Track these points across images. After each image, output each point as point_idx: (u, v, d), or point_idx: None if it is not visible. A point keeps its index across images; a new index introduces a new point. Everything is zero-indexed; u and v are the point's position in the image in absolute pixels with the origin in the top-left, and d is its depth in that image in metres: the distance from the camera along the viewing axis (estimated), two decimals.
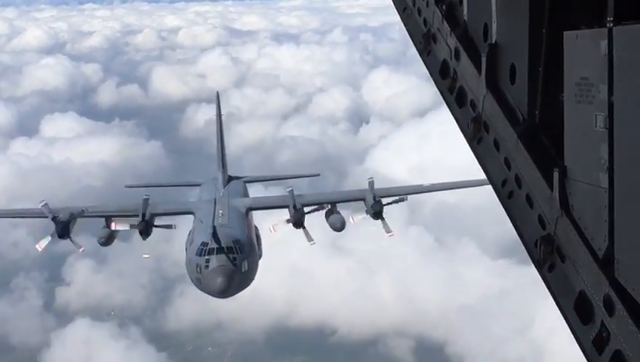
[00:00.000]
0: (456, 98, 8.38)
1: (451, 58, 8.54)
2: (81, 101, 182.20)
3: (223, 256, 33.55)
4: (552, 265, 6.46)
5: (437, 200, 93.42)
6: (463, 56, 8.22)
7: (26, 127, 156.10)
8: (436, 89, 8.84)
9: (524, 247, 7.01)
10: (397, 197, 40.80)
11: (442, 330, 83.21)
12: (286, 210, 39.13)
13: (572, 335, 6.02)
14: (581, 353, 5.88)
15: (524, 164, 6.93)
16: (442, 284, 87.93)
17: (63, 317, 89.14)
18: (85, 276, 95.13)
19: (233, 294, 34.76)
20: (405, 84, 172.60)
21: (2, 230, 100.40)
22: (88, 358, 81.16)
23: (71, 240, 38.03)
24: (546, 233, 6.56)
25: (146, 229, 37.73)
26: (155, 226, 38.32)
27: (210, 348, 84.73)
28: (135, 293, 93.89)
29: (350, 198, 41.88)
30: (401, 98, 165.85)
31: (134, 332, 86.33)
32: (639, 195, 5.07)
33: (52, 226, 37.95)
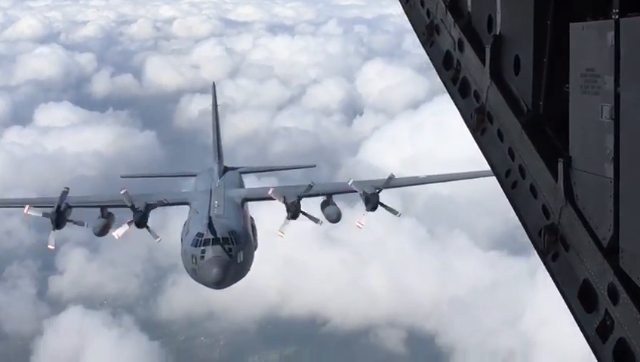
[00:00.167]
0: (459, 89, 8.39)
1: (455, 49, 8.53)
2: (75, 90, 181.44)
3: (218, 247, 33.44)
4: (556, 254, 6.46)
5: (430, 192, 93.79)
6: (467, 47, 8.23)
7: (20, 116, 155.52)
8: (439, 79, 8.83)
9: (527, 236, 7.02)
10: (394, 209, 40.38)
11: (433, 321, 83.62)
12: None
13: (575, 323, 6.05)
14: (582, 342, 5.88)
15: (529, 154, 6.96)
16: (434, 275, 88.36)
17: (56, 306, 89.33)
18: (78, 265, 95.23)
19: (228, 285, 34.57)
20: (399, 76, 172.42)
21: None
22: (81, 346, 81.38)
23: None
24: (549, 222, 6.59)
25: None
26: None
27: (202, 338, 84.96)
28: (128, 282, 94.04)
29: (348, 190, 41.14)
30: (394, 90, 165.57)
31: (127, 320, 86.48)
32: None
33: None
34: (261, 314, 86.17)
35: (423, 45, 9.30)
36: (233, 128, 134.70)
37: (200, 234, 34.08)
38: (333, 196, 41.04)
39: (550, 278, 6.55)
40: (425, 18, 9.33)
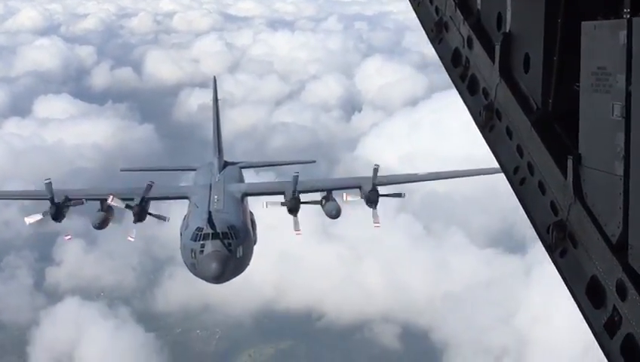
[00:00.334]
0: (468, 86, 8.40)
1: (464, 46, 8.55)
2: (74, 83, 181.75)
3: (217, 242, 33.29)
4: (564, 251, 6.46)
5: (427, 189, 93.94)
6: (476, 44, 8.25)
7: (20, 107, 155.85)
8: (447, 76, 8.83)
9: (535, 233, 7.03)
10: (396, 192, 40.34)
11: (428, 317, 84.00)
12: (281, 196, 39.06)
13: (583, 319, 6.07)
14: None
15: (538, 151, 6.99)
16: (429, 272, 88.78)
17: (53, 297, 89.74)
18: (76, 256, 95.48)
19: (228, 280, 34.41)
20: (398, 74, 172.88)
21: None
22: (77, 337, 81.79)
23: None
24: (558, 219, 6.60)
25: (140, 213, 37.38)
26: (149, 214, 37.83)
27: (198, 331, 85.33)
28: (125, 274, 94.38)
29: (348, 185, 41.32)
30: (393, 87, 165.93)
31: (123, 312, 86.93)
32: None
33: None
34: (257, 308, 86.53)
35: (432, 42, 9.32)
36: (232, 123, 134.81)
37: (199, 229, 33.94)
38: (333, 192, 40.86)
39: (556, 275, 6.59)
40: (434, 15, 9.36)
